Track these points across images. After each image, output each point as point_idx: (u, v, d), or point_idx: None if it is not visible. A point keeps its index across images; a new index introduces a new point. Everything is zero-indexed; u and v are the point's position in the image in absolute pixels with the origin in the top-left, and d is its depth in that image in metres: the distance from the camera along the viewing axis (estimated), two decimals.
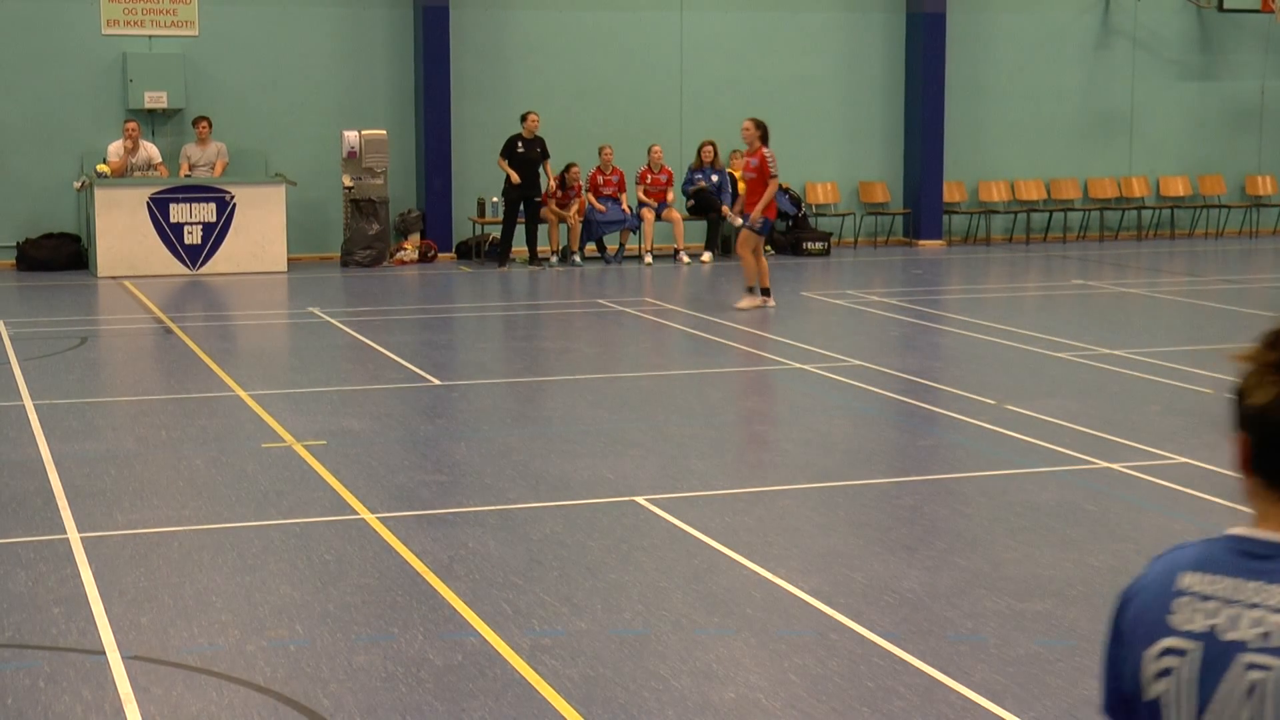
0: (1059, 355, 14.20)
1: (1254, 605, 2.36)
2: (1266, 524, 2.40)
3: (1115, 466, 10.03)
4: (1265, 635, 2.33)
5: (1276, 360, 2.37)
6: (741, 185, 17.96)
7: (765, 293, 17.09)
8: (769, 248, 22.39)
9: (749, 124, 17.01)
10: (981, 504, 9.28)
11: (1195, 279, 20.42)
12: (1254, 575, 2.37)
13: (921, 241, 23.88)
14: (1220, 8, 24.80)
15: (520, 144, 20.97)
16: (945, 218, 24.06)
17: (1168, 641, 2.42)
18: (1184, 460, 10.15)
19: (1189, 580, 2.42)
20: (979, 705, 6.16)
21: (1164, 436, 10.87)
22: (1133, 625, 2.48)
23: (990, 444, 10.83)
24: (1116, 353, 14.28)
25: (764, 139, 16.83)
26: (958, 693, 6.28)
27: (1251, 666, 2.34)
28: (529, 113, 21.07)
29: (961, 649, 6.77)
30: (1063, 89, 24.69)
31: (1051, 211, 24.68)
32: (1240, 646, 2.34)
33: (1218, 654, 2.37)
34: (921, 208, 23.86)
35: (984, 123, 24.48)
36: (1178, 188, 25.26)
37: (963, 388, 12.69)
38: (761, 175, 16.79)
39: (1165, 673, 2.42)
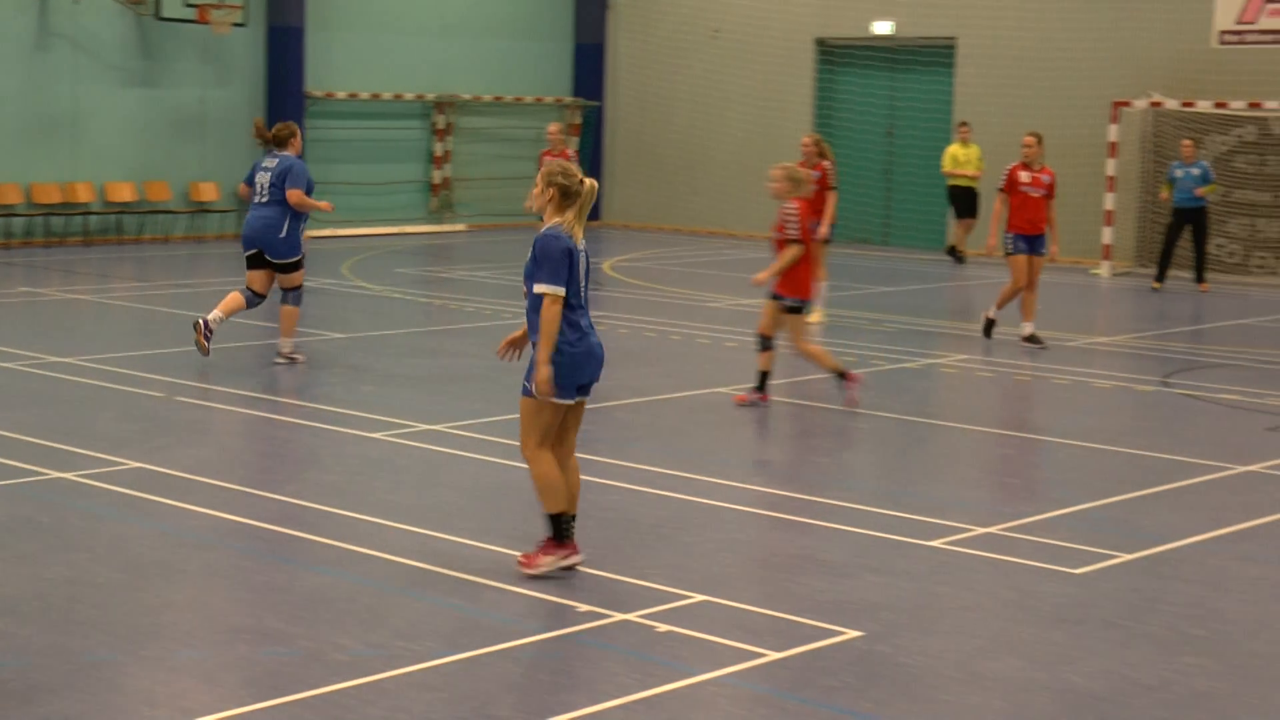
0: (7, 365, 13.78)
1: None
2: None
3: (69, 476, 9.87)
4: None
5: None
6: None
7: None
8: None
9: None
10: None
11: (145, 284, 20.54)
12: None
13: None
14: (159, 16, 25.08)
15: None
16: None
17: None
18: (138, 465, 10.18)
19: None
20: None
21: (118, 443, 10.84)
22: None
23: None
24: (68, 360, 14.06)
25: None
26: None
27: None
28: None
29: None
30: (2, 91, 23.94)
31: None
32: None
33: None
34: None
35: None
36: (125, 193, 25.29)
37: None
38: None
39: None
